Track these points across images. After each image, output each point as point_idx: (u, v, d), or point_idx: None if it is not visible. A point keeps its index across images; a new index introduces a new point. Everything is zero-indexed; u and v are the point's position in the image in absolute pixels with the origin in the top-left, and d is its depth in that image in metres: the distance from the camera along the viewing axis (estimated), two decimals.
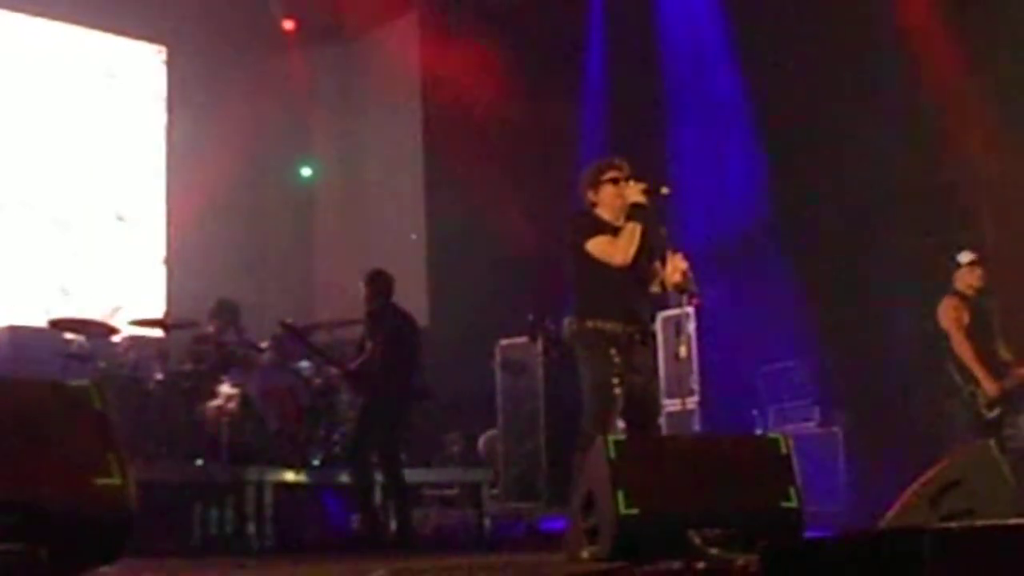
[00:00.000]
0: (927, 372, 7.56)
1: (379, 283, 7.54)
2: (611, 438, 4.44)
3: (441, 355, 9.27)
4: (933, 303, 7.25)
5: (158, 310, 10.09)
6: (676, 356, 8.30)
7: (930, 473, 4.79)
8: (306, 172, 13.09)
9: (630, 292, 5.34)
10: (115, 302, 10.70)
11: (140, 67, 11.95)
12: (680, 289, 5.36)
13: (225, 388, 7.55)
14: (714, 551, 4.10)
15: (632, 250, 5.27)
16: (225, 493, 7.31)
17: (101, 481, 3.45)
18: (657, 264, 5.41)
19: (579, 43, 11.56)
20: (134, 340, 8.31)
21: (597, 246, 5.30)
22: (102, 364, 7.57)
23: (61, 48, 11.31)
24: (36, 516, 3.28)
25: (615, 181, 5.41)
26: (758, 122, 10.25)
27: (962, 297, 7.15)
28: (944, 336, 7.10)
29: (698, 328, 8.57)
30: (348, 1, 12.49)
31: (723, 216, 10.15)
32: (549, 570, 4.55)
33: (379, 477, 7.41)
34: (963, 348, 6.99)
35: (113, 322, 8.55)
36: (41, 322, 8.64)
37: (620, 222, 5.35)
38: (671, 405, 8.63)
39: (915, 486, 4.77)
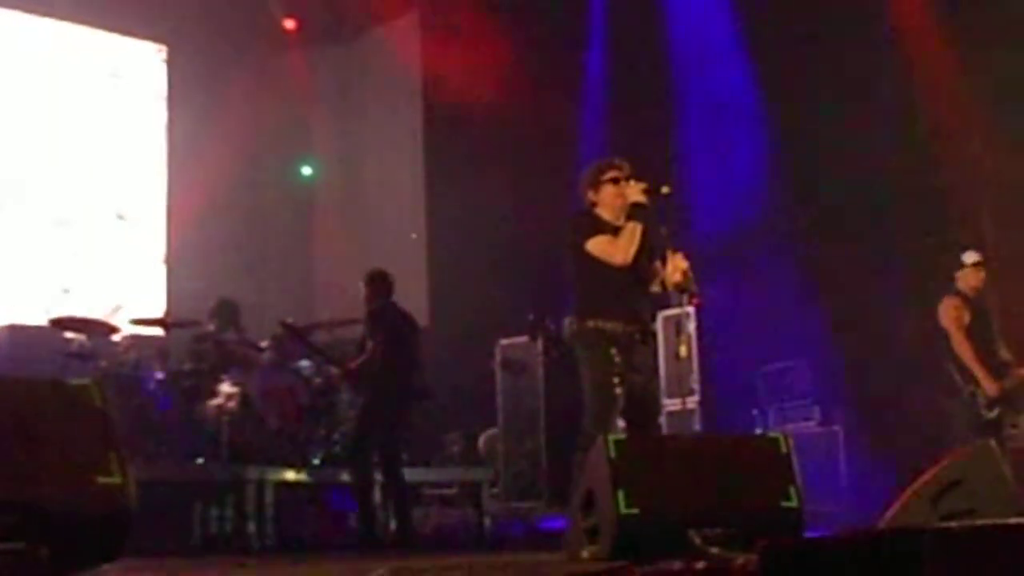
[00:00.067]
0: (927, 372, 7.55)
1: (379, 283, 7.54)
2: (611, 437, 4.44)
3: (441, 355, 9.27)
4: (933, 303, 7.25)
5: (158, 309, 10.11)
6: (676, 356, 8.31)
7: (930, 473, 4.78)
8: (306, 171, 13.08)
9: (630, 292, 5.35)
10: (115, 301, 10.69)
11: (141, 66, 11.95)
12: (680, 289, 5.37)
13: (225, 387, 7.56)
14: (714, 550, 4.10)
15: (632, 250, 5.27)
16: (225, 492, 7.32)
17: (101, 480, 3.45)
18: (657, 264, 5.42)
19: (580, 42, 11.53)
20: (134, 339, 8.32)
21: (597, 246, 5.30)
22: (102, 363, 7.56)
23: (61, 47, 11.31)
24: (36, 515, 3.29)
25: (615, 181, 5.41)
26: (759, 122, 10.24)
27: (963, 297, 7.15)
28: (944, 336, 7.10)
29: (698, 328, 8.57)
30: (348, 1, 12.49)
31: (723, 216, 10.14)
32: (549, 570, 4.54)
33: (379, 477, 7.41)
34: (963, 348, 6.98)
35: (113, 321, 8.55)
36: (41, 321, 8.64)
37: (620, 222, 5.35)
38: (671, 405, 8.62)
39: (915, 486, 4.77)
